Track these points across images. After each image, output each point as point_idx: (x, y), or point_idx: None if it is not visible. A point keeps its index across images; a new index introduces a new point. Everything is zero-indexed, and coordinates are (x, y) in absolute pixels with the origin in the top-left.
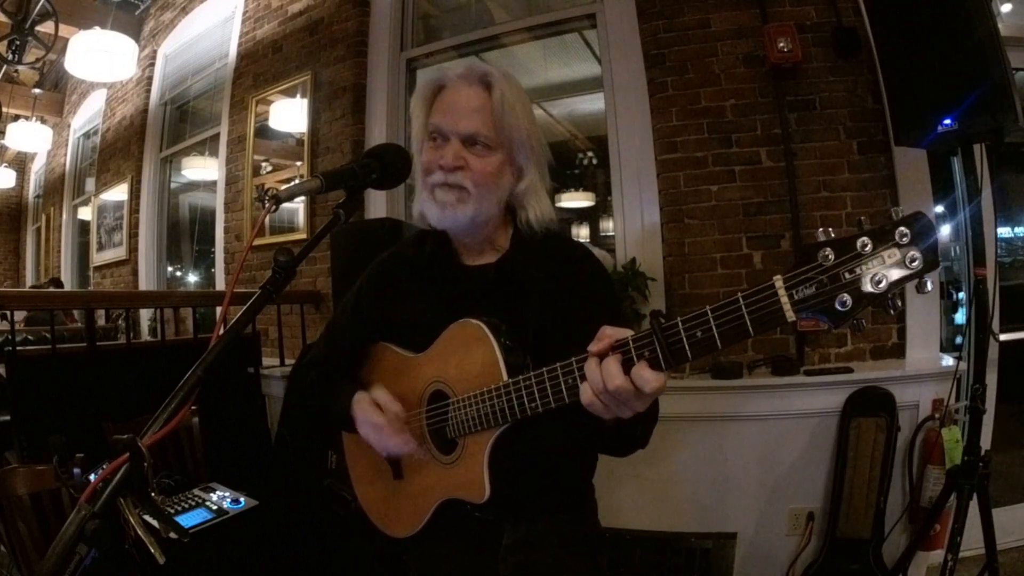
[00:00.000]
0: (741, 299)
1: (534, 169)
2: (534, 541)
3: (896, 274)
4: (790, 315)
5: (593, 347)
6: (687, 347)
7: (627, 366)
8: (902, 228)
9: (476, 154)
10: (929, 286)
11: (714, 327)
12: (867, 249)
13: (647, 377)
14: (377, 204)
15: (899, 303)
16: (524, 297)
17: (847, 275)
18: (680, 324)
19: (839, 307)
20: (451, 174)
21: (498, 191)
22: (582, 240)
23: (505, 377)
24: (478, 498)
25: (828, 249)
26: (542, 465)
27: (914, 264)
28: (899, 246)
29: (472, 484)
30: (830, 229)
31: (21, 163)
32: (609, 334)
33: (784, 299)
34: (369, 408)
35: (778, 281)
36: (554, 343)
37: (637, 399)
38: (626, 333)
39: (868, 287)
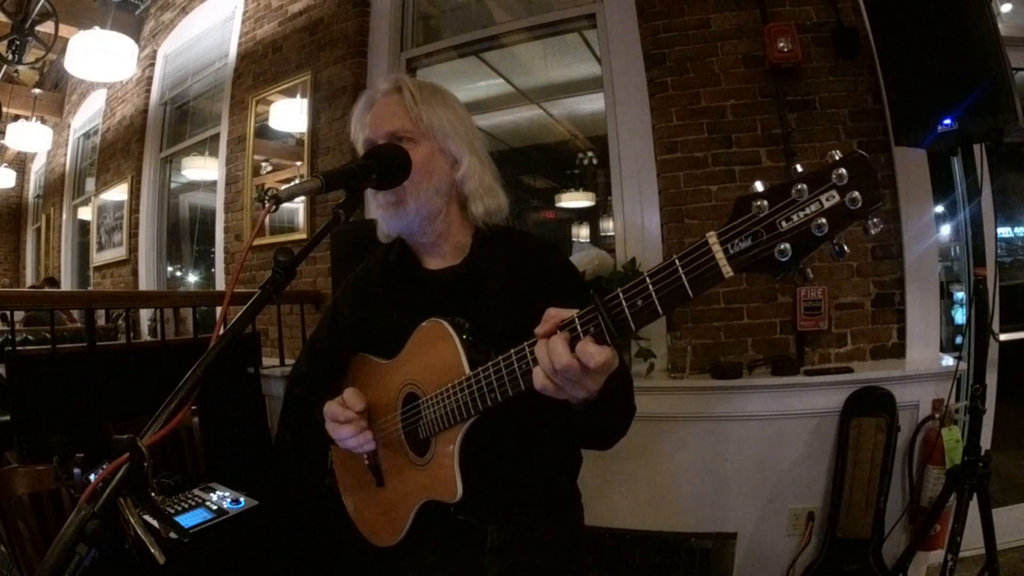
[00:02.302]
0: (677, 260)
1: (471, 157)
2: (518, 543)
3: (837, 216)
4: (727, 270)
5: (540, 329)
6: (629, 317)
7: (575, 343)
8: (840, 170)
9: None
10: (877, 227)
11: (653, 293)
12: (804, 195)
13: (591, 351)
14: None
15: (845, 248)
16: (488, 297)
17: (784, 223)
18: (621, 295)
19: (779, 257)
20: None
21: (433, 180)
22: (582, 240)
23: (467, 371)
24: (451, 497)
25: (762, 200)
26: (518, 462)
27: (856, 205)
28: (837, 187)
29: (445, 483)
30: (765, 181)
31: (21, 163)
32: (554, 314)
33: (719, 254)
34: (333, 404)
35: (712, 237)
36: (523, 342)
37: (586, 376)
38: (572, 312)
39: (808, 233)
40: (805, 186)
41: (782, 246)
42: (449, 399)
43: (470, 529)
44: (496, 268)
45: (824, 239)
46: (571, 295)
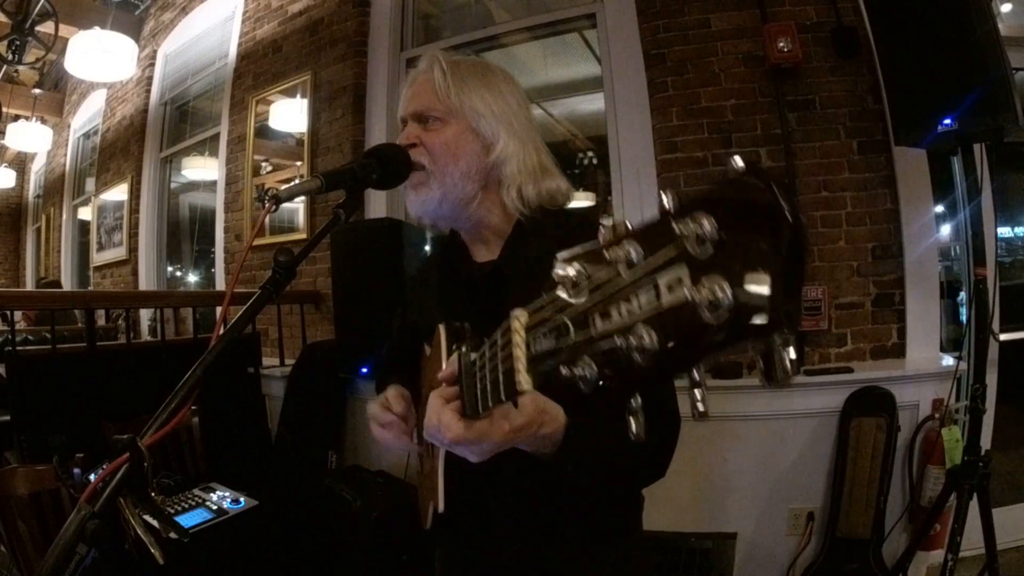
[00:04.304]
0: (499, 338)
1: (509, 139)
2: (535, 557)
3: (680, 326)
4: (522, 381)
5: (441, 372)
6: (477, 396)
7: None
8: (692, 219)
9: (430, 129)
10: (788, 360)
11: (488, 375)
12: (631, 263)
13: (445, 422)
14: (377, 204)
15: (701, 402)
16: (512, 297)
17: (598, 321)
18: (478, 361)
19: (580, 385)
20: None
21: (460, 162)
22: None
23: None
24: (438, 507)
25: (576, 264)
26: (519, 481)
27: (716, 309)
28: (688, 259)
29: (434, 491)
30: (627, 222)
31: (21, 163)
32: (454, 359)
33: (519, 350)
34: (376, 405)
35: (517, 320)
36: None
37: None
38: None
39: (622, 354)
40: (636, 247)
41: (581, 369)
42: None
43: (488, 529)
44: (529, 261)
45: (659, 373)
46: None
